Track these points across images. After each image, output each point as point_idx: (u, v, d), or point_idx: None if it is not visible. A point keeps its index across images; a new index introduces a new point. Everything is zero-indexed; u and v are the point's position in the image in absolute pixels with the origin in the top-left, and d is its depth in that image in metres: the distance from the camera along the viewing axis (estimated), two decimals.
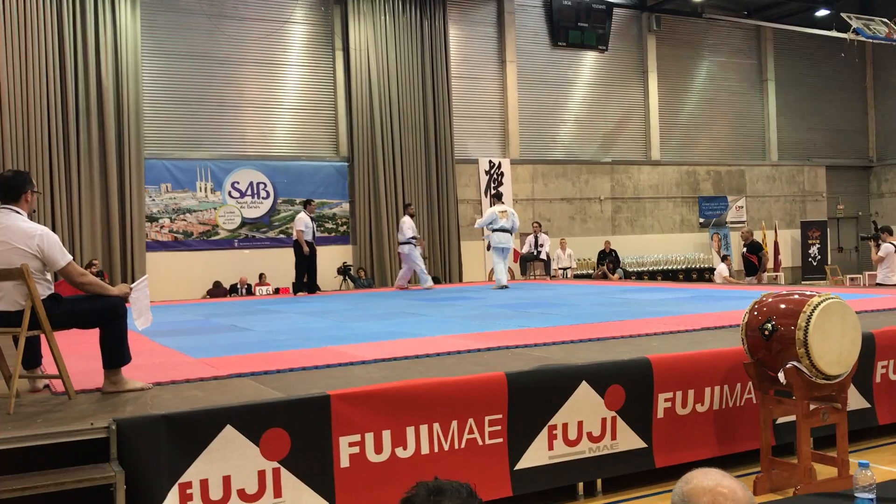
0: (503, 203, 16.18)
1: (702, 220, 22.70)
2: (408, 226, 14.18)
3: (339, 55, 18.28)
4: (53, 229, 12.71)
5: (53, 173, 15.29)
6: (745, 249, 14.62)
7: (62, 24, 15.48)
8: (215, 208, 17.09)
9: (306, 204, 14.09)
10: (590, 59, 21.27)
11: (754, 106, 23.69)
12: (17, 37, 15.07)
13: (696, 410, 5.11)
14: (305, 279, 13.55)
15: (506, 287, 12.98)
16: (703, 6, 21.81)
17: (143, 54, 16.19)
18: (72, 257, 4.54)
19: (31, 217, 4.59)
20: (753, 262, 14.47)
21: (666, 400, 5.00)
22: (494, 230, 13.63)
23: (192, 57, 16.95)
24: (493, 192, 19.92)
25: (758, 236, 22.06)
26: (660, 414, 4.98)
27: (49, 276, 4.50)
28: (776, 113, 23.71)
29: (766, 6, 22.76)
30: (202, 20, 17.02)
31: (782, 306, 4.74)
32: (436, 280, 18.37)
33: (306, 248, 13.33)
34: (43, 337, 4.41)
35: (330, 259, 17.30)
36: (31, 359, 4.68)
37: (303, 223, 13.47)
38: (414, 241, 14.16)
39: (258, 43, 17.55)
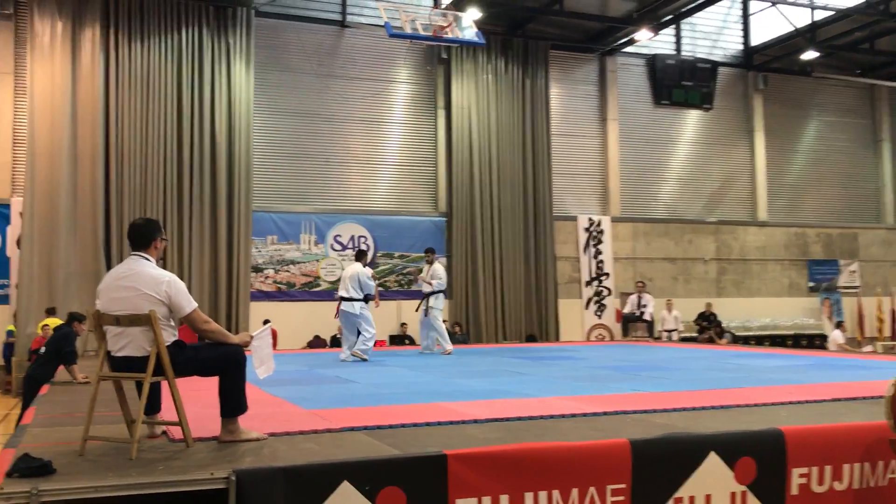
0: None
1: (811, 283, 21.73)
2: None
3: (441, 113, 18.55)
4: None
5: (166, 223, 15.88)
6: None
7: (181, 82, 16.24)
8: (318, 260, 17.41)
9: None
10: (693, 117, 20.94)
11: (867, 167, 22.76)
12: (140, 92, 15.90)
13: (833, 489, 4.74)
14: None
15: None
16: (813, 65, 21.21)
17: (254, 111, 16.82)
18: (196, 304, 4.58)
19: (158, 264, 4.66)
20: None
21: (801, 476, 4.66)
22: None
23: (300, 114, 17.52)
24: (592, 249, 19.61)
25: (872, 302, 20.97)
26: (794, 490, 4.64)
27: (173, 323, 4.54)
28: (892, 174, 22.70)
29: (880, 65, 21.98)
30: (311, 79, 17.60)
31: None
32: (531, 338, 18.11)
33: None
34: (163, 383, 4.44)
35: None
36: (152, 405, 4.71)
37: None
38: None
39: (364, 101, 18.01)
